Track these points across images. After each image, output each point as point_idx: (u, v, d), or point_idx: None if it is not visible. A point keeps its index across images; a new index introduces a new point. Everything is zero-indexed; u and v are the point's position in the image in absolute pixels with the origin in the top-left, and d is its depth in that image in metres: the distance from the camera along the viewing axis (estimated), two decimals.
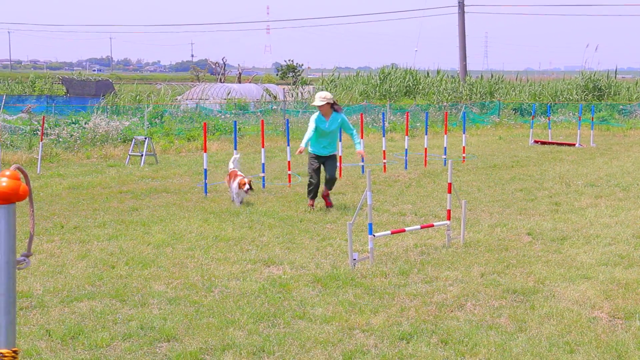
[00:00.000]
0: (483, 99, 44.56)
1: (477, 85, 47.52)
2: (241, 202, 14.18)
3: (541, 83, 50.37)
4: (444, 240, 10.96)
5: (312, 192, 13.93)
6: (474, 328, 7.27)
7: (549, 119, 30.50)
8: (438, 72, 54.90)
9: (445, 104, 40.61)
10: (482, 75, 53.69)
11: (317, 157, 13.91)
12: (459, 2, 53.20)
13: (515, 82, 52.21)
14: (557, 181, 17.51)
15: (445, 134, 22.43)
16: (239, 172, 14.51)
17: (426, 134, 22.16)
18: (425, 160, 21.00)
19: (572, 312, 7.73)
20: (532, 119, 29.73)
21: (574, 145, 26.65)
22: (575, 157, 23.05)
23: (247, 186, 13.98)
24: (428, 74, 54.73)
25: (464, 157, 21.93)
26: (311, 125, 13.81)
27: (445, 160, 20.52)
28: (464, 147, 22.55)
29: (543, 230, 11.82)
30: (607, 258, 9.96)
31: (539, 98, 43.80)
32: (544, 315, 7.66)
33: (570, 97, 42.54)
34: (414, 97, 46.19)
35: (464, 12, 53.20)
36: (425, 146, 21.54)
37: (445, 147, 21.68)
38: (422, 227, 11.12)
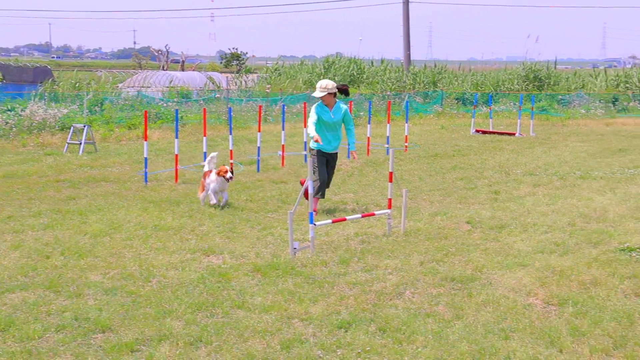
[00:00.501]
0: (426, 88, 44.81)
1: (421, 75, 47.77)
2: (221, 203, 12.65)
3: (483, 73, 50.85)
4: (384, 229, 10.99)
5: (321, 191, 12.51)
6: (412, 316, 7.30)
7: (490, 109, 30.79)
8: (382, 61, 55.10)
9: (388, 93, 40.78)
10: (425, 65, 54.00)
11: (323, 154, 12.60)
12: None
13: (458, 72, 52.59)
14: (497, 170, 17.69)
15: (388, 123, 22.48)
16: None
17: (369, 123, 22.23)
18: (368, 150, 21.06)
19: (508, 299, 7.82)
20: (474, 108, 30.02)
21: (514, 134, 26.96)
22: (515, 146, 23.31)
23: (229, 174, 12.61)
24: (372, 63, 54.90)
25: (406, 146, 22.04)
26: (313, 117, 12.52)
27: (387, 149, 20.56)
28: (406, 137, 22.66)
29: (482, 218, 11.92)
30: (543, 246, 10.08)
31: (481, 88, 44.20)
32: (480, 303, 7.72)
33: (512, 87, 43.02)
34: (358, 86, 46.24)
35: (408, 2, 53.40)
36: (368, 135, 21.61)
37: (388, 137, 21.73)
38: (363, 216, 11.14)
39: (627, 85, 40.94)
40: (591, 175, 16.78)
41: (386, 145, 21.48)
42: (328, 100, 12.72)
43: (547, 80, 44.09)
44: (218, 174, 12.53)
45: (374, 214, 11.26)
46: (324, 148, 12.51)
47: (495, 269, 8.96)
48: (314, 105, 12.72)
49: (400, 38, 53.99)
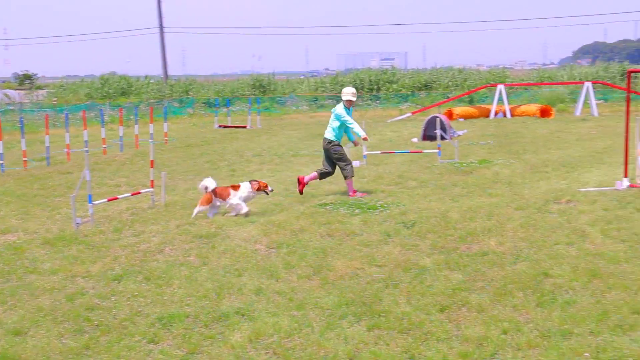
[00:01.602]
0: (181, 95, 44.01)
1: (177, 86, 46.83)
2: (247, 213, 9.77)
3: (223, 83, 50.73)
4: (150, 203, 10.71)
5: (352, 172, 11.11)
6: (170, 266, 7.18)
7: (228, 109, 30.87)
8: (146, 77, 53.36)
9: (152, 100, 39.69)
10: (180, 79, 53.10)
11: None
12: (159, 25, 52.08)
13: (205, 83, 52.05)
14: (234, 154, 17.78)
15: (151, 123, 21.85)
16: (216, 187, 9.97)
17: (136, 124, 21.54)
18: (137, 144, 20.41)
19: (241, 247, 7.89)
20: (217, 109, 29.91)
21: (246, 127, 27.21)
22: (247, 136, 23.55)
23: (269, 188, 10.15)
24: (139, 79, 53.05)
25: (166, 140, 21.58)
26: (351, 119, 11.04)
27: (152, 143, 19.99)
28: (166, 133, 22.19)
29: None
30: (267, 206, 10.26)
31: (222, 94, 44.06)
32: (221, 252, 7.74)
33: (244, 93, 43.25)
34: (129, 96, 44.62)
35: (163, 32, 52.16)
36: (136, 133, 20.95)
37: (152, 133, 21.15)
38: (132, 194, 10.78)
39: (323, 89, 42.54)
40: (300, 154, 17.32)
41: (150, 140, 20.86)
42: (351, 104, 11.30)
43: (268, 87, 44.68)
44: (259, 189, 9.92)
45: (140, 192, 10.94)
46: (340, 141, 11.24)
47: (232, 226, 9.00)
48: (343, 108, 11.04)
49: (159, 59, 52.59)
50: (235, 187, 9.93)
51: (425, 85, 41.29)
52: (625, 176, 10.97)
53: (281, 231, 8.58)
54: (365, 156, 15.17)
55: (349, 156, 11.41)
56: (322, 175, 11.41)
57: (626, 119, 11.36)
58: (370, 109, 36.09)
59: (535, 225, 8.45)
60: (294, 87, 45.53)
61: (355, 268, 6.94)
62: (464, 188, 11.39)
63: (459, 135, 20.89)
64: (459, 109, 29.68)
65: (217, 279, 6.68)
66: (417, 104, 35.82)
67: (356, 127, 11.06)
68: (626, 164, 11.07)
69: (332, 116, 11.25)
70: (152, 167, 10.81)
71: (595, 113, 28.28)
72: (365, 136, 11.33)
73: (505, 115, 28.75)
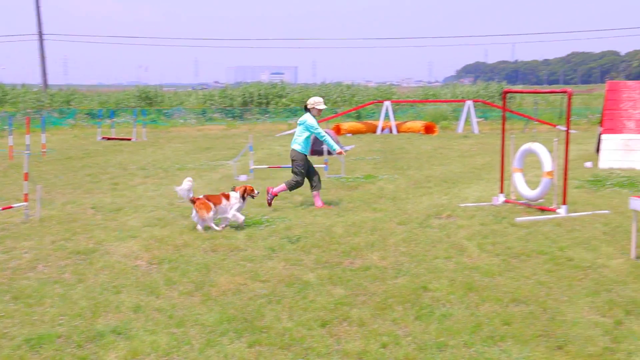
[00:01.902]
0: (62, 106, 42.38)
1: (57, 96, 45.06)
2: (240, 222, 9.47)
3: (107, 94, 49.33)
4: (23, 218, 10.20)
5: (295, 188, 11.24)
6: (42, 284, 6.86)
7: (112, 121, 29.99)
8: (23, 85, 51.06)
9: (29, 110, 37.95)
10: (61, 88, 51.14)
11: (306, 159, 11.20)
12: (38, 32, 50.01)
13: (88, 93, 50.41)
14: (117, 167, 17.28)
15: (28, 134, 20.79)
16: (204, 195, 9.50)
17: (10, 135, 20.53)
18: (11, 155, 19.43)
19: (121, 263, 7.67)
20: (100, 120, 28.97)
21: (131, 139, 26.53)
22: (132, 148, 22.94)
23: (255, 191, 9.89)
24: (15, 87, 50.65)
25: (44, 152, 20.67)
26: (322, 130, 11.09)
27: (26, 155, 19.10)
28: (44, 144, 21.27)
29: (104, 204, 11.56)
30: (150, 221, 10.03)
31: (106, 105, 42.79)
32: (99, 268, 7.48)
33: (129, 104, 42.19)
34: (3, 105, 42.47)
35: (42, 39, 50.12)
36: (11, 144, 19.95)
37: (28, 144, 20.16)
38: (3, 209, 10.24)
39: (212, 101, 42.18)
40: (186, 167, 17.06)
41: (26, 152, 19.91)
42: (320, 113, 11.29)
43: (155, 99, 43.83)
44: (245, 192, 9.62)
45: (12, 207, 10.41)
46: (307, 153, 11.19)
47: (112, 242, 8.74)
48: (314, 120, 11.08)
49: (39, 67, 50.48)
50: (227, 196, 9.44)
51: None
52: (501, 192, 11.52)
53: (163, 246, 8.40)
54: (252, 170, 15.14)
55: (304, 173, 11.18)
56: (292, 187, 11.25)
57: (502, 137, 11.95)
58: (260, 122, 36.14)
59: (416, 240, 8.70)
60: (181, 99, 44.95)
61: (238, 284, 6.89)
62: (349, 203, 11.59)
63: (347, 151, 21.26)
64: (347, 125, 30.22)
65: (93, 297, 6.44)
66: None
67: (329, 139, 11.08)
68: (502, 180, 11.64)
69: (301, 127, 11.12)
70: (25, 179, 10.33)
71: (476, 130, 29.58)
72: (341, 150, 11.39)
73: (391, 131, 29.54)
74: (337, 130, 28.47)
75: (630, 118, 17.65)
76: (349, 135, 28.79)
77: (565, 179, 10.44)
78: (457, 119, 32.39)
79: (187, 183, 9.26)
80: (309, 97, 11.76)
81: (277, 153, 20.99)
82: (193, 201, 9.26)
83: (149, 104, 42.90)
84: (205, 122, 36.74)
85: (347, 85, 46.36)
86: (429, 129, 29.38)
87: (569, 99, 10.40)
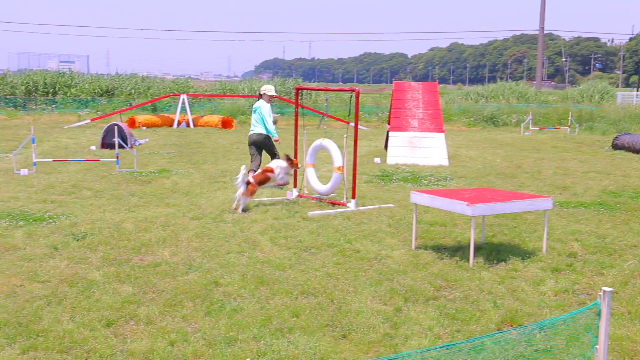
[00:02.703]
0: None
1: None
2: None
3: None
4: None
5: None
6: None
7: None
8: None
9: None
10: None
11: None
12: None
13: None
14: None
15: None
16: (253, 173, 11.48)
17: None
18: None
19: None
20: None
21: None
22: None
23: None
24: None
25: None
26: (271, 118, 12.34)
27: None
28: None
29: None
30: None
31: None
32: None
33: None
34: None
35: None
36: None
37: None
38: None
39: None
40: None
41: None
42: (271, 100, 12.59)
43: None
44: (291, 165, 11.43)
45: None
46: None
47: None
48: (268, 106, 12.37)
49: None
50: (270, 170, 11.01)
51: (107, 92, 40.17)
52: (295, 187, 11.84)
53: None
54: (35, 164, 14.20)
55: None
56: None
57: (295, 133, 12.28)
58: (46, 113, 33.99)
59: (209, 235, 8.67)
60: None
61: (13, 285, 6.42)
62: (141, 198, 11.27)
63: (141, 144, 20.67)
64: (141, 117, 29.40)
65: None
66: (97, 111, 34.64)
67: (271, 127, 12.26)
68: (295, 174, 11.95)
69: (261, 112, 12.23)
70: None
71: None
72: (277, 138, 12.31)
73: (188, 125, 29.22)
74: (132, 123, 27.61)
75: (414, 117, 18.96)
76: (143, 128, 28.05)
77: (354, 174, 10.96)
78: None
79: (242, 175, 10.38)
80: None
81: (64, 146, 19.88)
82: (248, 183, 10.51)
83: None
84: None
85: (143, 77, 45.11)
86: (226, 124, 29.45)
87: (357, 97, 10.93)
